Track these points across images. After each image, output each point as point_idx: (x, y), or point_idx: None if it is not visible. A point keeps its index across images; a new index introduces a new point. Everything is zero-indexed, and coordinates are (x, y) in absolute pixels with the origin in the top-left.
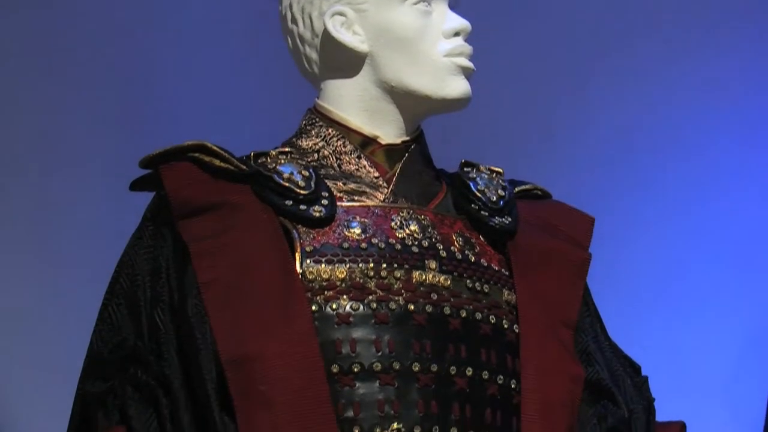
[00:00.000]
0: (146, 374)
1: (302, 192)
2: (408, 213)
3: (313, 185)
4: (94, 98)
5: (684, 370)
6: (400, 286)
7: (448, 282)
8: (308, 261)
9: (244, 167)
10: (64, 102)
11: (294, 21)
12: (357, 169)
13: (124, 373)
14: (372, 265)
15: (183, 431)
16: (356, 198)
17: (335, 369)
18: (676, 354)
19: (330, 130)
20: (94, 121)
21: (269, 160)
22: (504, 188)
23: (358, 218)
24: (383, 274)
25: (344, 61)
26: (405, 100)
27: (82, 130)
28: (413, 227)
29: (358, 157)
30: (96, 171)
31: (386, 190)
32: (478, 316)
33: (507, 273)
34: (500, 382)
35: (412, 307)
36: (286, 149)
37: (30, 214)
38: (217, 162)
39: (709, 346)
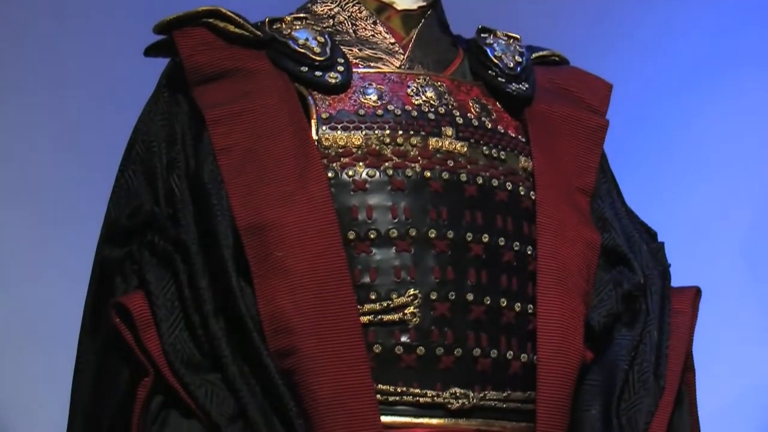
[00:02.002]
0: (163, 240)
1: (318, 58)
2: (424, 79)
3: (328, 51)
4: None
5: (700, 236)
6: (417, 152)
7: (465, 149)
8: (324, 128)
9: (259, 33)
10: None
11: None
12: (373, 35)
13: (141, 239)
14: (388, 131)
15: (200, 296)
16: (372, 64)
17: (351, 235)
18: (692, 220)
19: None
20: None
21: (284, 26)
22: (521, 54)
23: (374, 85)
24: (399, 141)
25: None
26: None
27: None
28: (429, 94)
29: (374, 23)
30: (111, 36)
31: (402, 57)
32: (495, 182)
33: (524, 140)
34: (516, 248)
35: (429, 173)
36: (301, 15)
37: (46, 81)
38: (231, 28)
39: (724, 212)
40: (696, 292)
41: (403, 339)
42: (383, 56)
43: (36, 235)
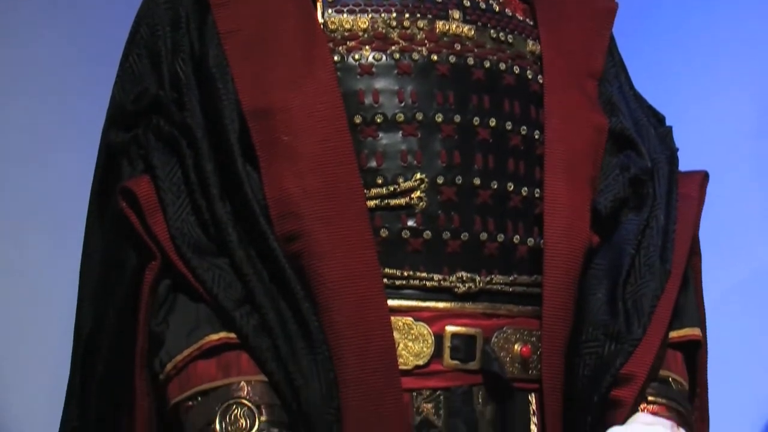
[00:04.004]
0: (169, 124)
1: None
2: None
3: None
4: None
5: (708, 120)
6: (423, 36)
7: (472, 32)
8: (330, 11)
9: None
10: None
11: None
12: None
13: (147, 123)
14: (394, 15)
15: (206, 180)
16: None
17: (358, 120)
18: (700, 104)
19: None
20: None
21: None
22: None
23: None
24: (406, 24)
25: None
26: None
27: None
28: None
29: None
30: None
31: None
32: (502, 66)
33: (531, 23)
34: (523, 132)
35: (435, 57)
36: None
37: None
38: None
39: (732, 96)
40: (703, 177)
41: (410, 223)
42: None
43: (41, 121)
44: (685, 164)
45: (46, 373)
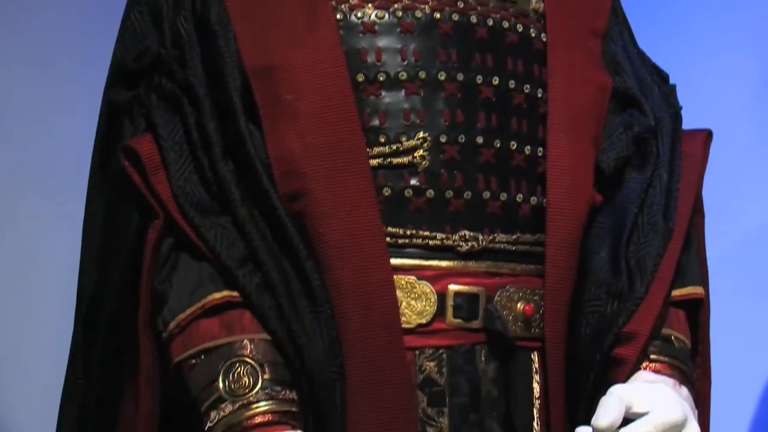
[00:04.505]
0: (170, 82)
1: None
2: None
3: None
4: None
5: (712, 79)
6: None
7: None
8: None
9: None
10: None
11: None
12: None
13: (149, 82)
14: None
15: (209, 139)
16: None
17: (360, 78)
18: (704, 62)
19: None
20: None
21: None
22: None
23: None
24: None
25: None
26: None
27: None
28: None
29: None
30: None
31: None
32: (505, 24)
33: None
34: (527, 91)
35: (438, 15)
36: None
37: None
38: None
39: (737, 54)
40: (707, 135)
41: (413, 182)
42: None
43: (43, 79)
44: (688, 123)
45: (48, 334)
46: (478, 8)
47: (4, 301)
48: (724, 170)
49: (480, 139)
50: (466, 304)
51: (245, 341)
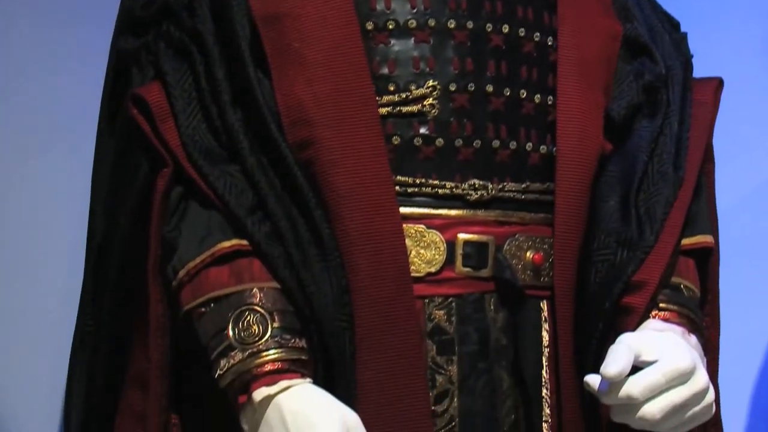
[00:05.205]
0: (179, 30)
1: None
2: None
3: None
4: None
5: (723, 27)
6: None
7: None
8: None
9: None
10: None
11: None
12: None
13: (157, 30)
14: None
15: (217, 87)
16: None
17: (370, 26)
18: (715, 10)
19: None
20: None
21: None
22: None
23: None
24: None
25: None
26: None
27: None
28: None
29: None
30: None
31: None
32: None
33: None
34: (537, 39)
35: None
36: None
37: None
38: None
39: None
40: (718, 83)
41: (422, 130)
42: None
43: (50, 27)
44: (699, 71)
45: (59, 277)
46: None
47: (16, 253)
48: (735, 119)
49: (490, 88)
50: (476, 253)
51: (255, 290)
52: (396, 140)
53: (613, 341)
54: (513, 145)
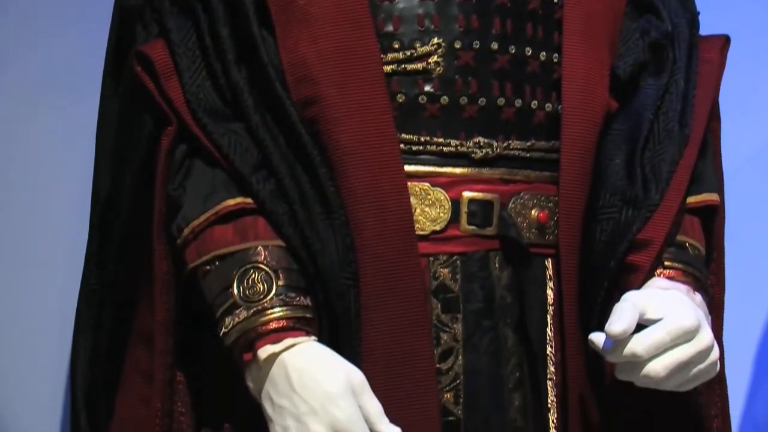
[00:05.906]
0: None
1: None
2: None
3: None
4: None
5: None
6: None
7: None
8: None
9: None
10: None
11: None
12: None
13: None
14: None
15: (222, 45)
16: None
17: None
18: None
19: None
20: None
21: None
22: None
23: None
24: None
25: None
26: None
27: None
28: None
29: None
30: None
31: None
32: None
33: None
34: None
35: None
36: None
37: None
38: None
39: None
40: (725, 41)
41: (427, 88)
42: None
43: None
44: (706, 28)
45: (63, 240)
46: None
47: (20, 213)
48: (742, 77)
49: (495, 45)
50: (481, 211)
51: (259, 247)
52: (400, 98)
53: (618, 299)
54: (518, 102)
